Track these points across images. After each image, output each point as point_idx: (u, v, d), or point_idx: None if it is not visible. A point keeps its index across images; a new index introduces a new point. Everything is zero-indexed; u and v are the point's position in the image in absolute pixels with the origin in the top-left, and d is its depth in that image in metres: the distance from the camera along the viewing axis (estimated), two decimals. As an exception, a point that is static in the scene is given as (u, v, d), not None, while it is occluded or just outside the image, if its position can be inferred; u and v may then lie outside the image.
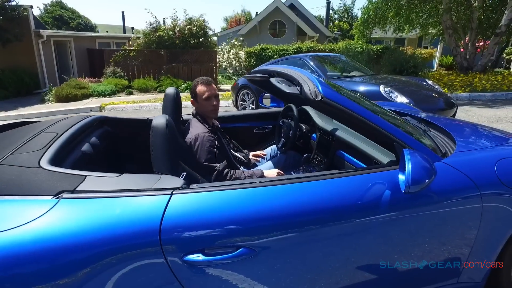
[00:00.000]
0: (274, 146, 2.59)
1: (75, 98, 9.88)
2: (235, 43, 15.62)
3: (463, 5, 10.81)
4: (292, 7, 19.03)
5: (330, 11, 27.10)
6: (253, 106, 6.54)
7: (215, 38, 16.86)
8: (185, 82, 12.02)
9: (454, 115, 4.50)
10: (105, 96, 10.52)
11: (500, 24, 10.17)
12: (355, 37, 13.22)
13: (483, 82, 9.03)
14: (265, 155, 2.56)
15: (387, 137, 1.40)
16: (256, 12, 21.83)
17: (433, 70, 15.26)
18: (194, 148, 1.92)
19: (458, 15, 11.09)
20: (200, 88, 2.01)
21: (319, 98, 1.39)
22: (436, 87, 5.14)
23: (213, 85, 2.06)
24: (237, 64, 15.09)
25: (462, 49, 11.05)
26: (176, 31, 12.48)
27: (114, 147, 2.19)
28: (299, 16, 18.49)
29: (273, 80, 1.86)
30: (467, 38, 11.26)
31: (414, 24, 12.00)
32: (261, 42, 15.36)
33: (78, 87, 10.26)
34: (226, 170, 1.91)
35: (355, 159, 1.81)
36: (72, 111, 8.73)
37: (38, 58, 11.67)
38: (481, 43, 12.14)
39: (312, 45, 13.10)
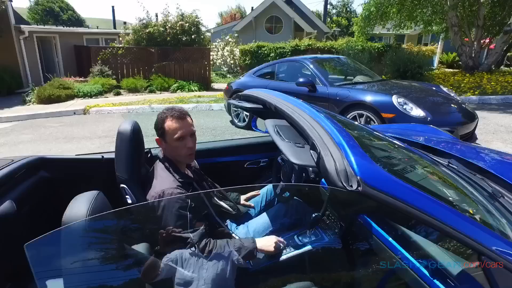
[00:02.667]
0: (271, 186, 2.04)
1: (58, 99, 9.25)
2: (230, 39, 15.01)
3: (469, 2, 10.26)
4: (289, 2, 18.37)
5: (328, 6, 26.42)
6: (247, 114, 5.97)
7: (208, 35, 16.24)
8: (177, 82, 11.43)
9: (474, 129, 3.97)
10: (91, 97, 9.90)
11: (509, 22, 9.64)
12: (355, 34, 12.64)
13: (492, 83, 8.52)
14: (259, 194, 2.01)
15: (469, 245, 0.86)
16: (252, 7, 21.14)
17: (434, 68, 14.74)
18: (157, 211, 1.37)
19: (464, 11, 10.54)
20: (170, 124, 1.46)
21: (355, 188, 0.84)
22: (452, 94, 4.60)
23: (188, 119, 1.51)
24: (231, 62, 14.51)
25: (467, 48, 10.52)
26: (167, 27, 11.82)
27: (55, 200, 1.63)
28: (296, 12, 17.84)
29: (268, 124, 1.37)
30: (472, 36, 10.73)
31: (417, 21, 11.43)
32: (257, 38, 14.75)
33: (62, 87, 9.62)
34: (203, 243, 1.36)
35: (387, 235, 1.26)
36: (54, 114, 8.13)
37: (20, 55, 10.97)
38: (487, 41, 11.62)
39: (310, 42, 12.50)
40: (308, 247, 1.46)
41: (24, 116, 7.97)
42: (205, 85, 11.77)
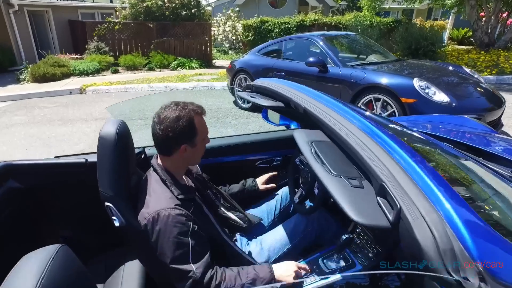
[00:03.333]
0: (287, 189, 1.76)
1: (53, 78, 8.85)
2: (231, 14, 14.34)
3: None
4: (293, -27, 17.43)
5: (334, -22, 25.19)
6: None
7: (209, 9, 15.53)
8: (177, 59, 10.96)
9: (501, 116, 3.64)
10: (87, 75, 9.48)
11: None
12: (364, 9, 11.97)
13: (511, 61, 8.06)
14: (274, 186, 1.76)
15: None
16: (255, -21, 20.10)
17: (444, 44, 14.12)
18: (151, 237, 1.10)
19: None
20: (201, 122, 1.22)
21: (476, 286, 0.51)
22: (475, 76, 4.21)
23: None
24: (233, 38, 13.94)
25: (483, 23, 9.94)
26: (165, 1, 11.19)
27: (28, 217, 1.36)
28: (301, -16, 16.95)
29: (300, 138, 1.14)
30: (490, 10, 10.11)
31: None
32: (260, 13, 14.08)
33: (56, 65, 9.19)
34: (208, 276, 1.09)
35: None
36: (49, 94, 7.78)
37: (11, 30, 10.44)
38: (504, 16, 10.98)
39: (316, 17, 11.87)
40: (337, 277, 1.20)
41: (18, 96, 7.62)
42: (206, 62, 11.31)
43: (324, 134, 1.25)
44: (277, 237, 1.48)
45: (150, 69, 10.52)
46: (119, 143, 1.13)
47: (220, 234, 1.34)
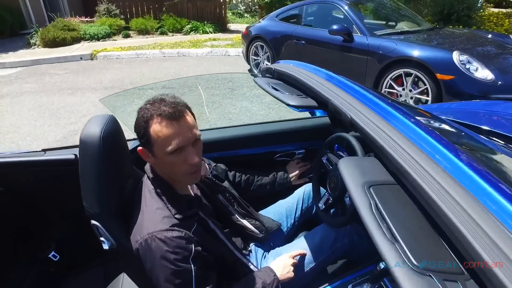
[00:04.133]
0: (309, 187, 1.53)
1: (64, 43, 8.61)
2: (248, -28, 13.45)
3: None
4: None
5: None
6: (268, 63, 5.25)
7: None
8: (190, 22, 10.46)
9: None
10: (98, 39, 9.18)
11: None
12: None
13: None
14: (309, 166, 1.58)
15: None
16: None
17: (480, 6, 12.95)
18: (146, 264, 0.91)
19: None
20: (159, 129, 0.89)
21: None
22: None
23: (188, 118, 0.93)
24: (249, 0, 13.15)
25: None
26: (178, -42, 10.50)
27: (15, 216, 1.19)
28: None
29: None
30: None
31: None
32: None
33: (66, 29, 8.90)
34: None
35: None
36: (59, 59, 7.59)
37: (19, -9, 10.10)
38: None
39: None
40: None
41: (29, 61, 7.46)
42: (221, 26, 10.76)
43: (381, 164, 0.89)
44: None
45: (163, 33, 10.10)
46: (105, 147, 0.91)
47: (231, 250, 1.14)
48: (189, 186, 1.12)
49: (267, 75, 1.53)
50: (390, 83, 3.59)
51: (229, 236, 1.18)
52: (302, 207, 1.51)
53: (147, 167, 1.03)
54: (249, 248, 1.31)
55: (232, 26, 11.48)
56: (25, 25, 10.32)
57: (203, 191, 1.20)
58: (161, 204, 0.96)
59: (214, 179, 1.25)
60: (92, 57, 7.70)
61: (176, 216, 0.94)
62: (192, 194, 1.12)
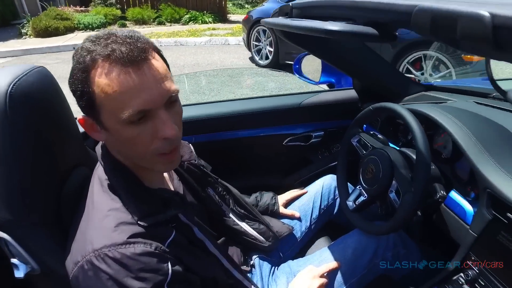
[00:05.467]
0: (329, 180, 1.18)
1: (56, 32, 8.25)
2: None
3: None
4: None
5: None
6: (271, 49, 4.89)
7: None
8: (189, 12, 10.08)
9: None
10: (93, 29, 8.79)
11: None
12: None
13: None
14: (305, 192, 1.18)
15: None
16: None
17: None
18: None
19: None
20: (105, 81, 0.53)
21: None
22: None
23: (155, 63, 0.56)
24: (250, -11, 12.77)
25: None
26: None
27: None
28: None
29: None
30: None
31: None
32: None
33: (59, 18, 8.54)
34: None
35: None
36: (51, 49, 7.25)
37: (11, -22, 9.70)
38: None
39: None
40: None
41: (19, 51, 7.13)
42: (221, 16, 10.38)
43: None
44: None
45: (160, 23, 9.73)
46: (17, 113, 0.57)
47: (226, 269, 0.79)
48: (165, 175, 0.77)
49: (283, 15, 1.01)
50: (408, 67, 3.24)
51: (223, 247, 0.85)
52: (320, 205, 1.16)
53: (98, 147, 0.68)
54: (251, 262, 0.97)
55: (232, 17, 11.10)
56: (17, 15, 9.95)
57: (187, 183, 0.85)
58: (118, 203, 0.62)
59: (202, 166, 0.90)
60: (85, 46, 7.36)
61: (141, 222, 0.60)
62: (171, 187, 0.78)
